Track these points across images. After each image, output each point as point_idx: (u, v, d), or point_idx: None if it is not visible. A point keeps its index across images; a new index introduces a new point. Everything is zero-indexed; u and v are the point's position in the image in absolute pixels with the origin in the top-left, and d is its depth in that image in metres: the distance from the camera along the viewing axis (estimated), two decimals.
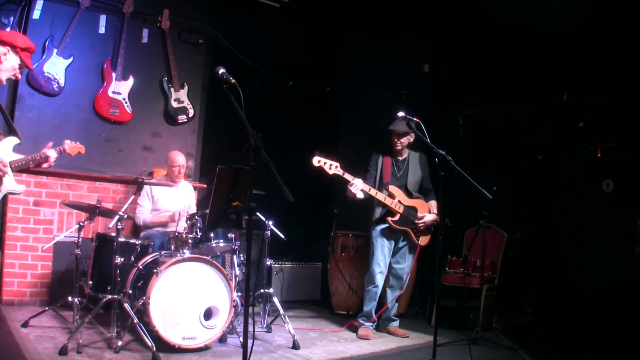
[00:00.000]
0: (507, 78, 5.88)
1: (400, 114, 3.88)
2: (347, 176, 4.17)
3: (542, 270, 5.57)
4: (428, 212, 4.56)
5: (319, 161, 4.07)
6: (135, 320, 3.42)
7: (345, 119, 6.55)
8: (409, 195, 4.55)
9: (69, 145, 3.49)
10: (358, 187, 4.19)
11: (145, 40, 5.28)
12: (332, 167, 4.10)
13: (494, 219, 4.93)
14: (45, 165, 3.30)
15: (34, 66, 4.62)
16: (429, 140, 3.76)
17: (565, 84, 5.69)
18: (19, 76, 3.22)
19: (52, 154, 3.29)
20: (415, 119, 3.84)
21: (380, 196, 4.36)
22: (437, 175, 3.60)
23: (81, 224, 3.87)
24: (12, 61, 3.08)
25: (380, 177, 4.55)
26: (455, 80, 6.15)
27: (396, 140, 4.50)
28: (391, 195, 4.43)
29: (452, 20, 5.97)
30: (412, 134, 4.47)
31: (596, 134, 5.50)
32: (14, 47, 3.07)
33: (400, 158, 4.60)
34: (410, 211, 4.47)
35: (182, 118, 5.43)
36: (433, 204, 4.62)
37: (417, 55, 6.35)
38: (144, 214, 4.59)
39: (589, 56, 5.41)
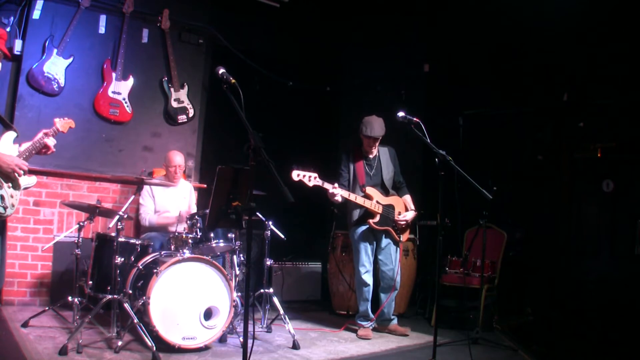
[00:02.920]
0: (507, 78, 5.88)
1: (400, 114, 3.88)
2: (327, 185, 4.17)
3: (542, 270, 5.57)
4: (404, 208, 4.57)
5: (297, 175, 4.03)
6: (135, 320, 3.42)
7: (345, 119, 6.55)
8: (385, 193, 4.54)
9: (61, 123, 3.46)
10: (337, 194, 4.20)
11: (145, 40, 5.28)
12: (311, 179, 4.07)
13: (494, 219, 4.92)
14: (46, 151, 3.27)
15: (34, 66, 4.63)
16: (429, 140, 3.75)
17: (565, 84, 5.69)
18: None
19: (50, 142, 3.26)
20: (415, 119, 3.84)
21: (360, 200, 4.35)
22: (437, 175, 3.60)
23: (81, 224, 3.88)
24: None
25: (354, 179, 4.53)
26: (455, 80, 6.15)
27: (372, 143, 4.49)
28: (368, 197, 4.42)
29: (452, 20, 5.97)
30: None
31: (596, 134, 5.50)
32: None
33: (370, 156, 4.59)
34: (389, 210, 4.48)
35: (182, 118, 5.43)
36: (408, 198, 4.63)
37: (417, 55, 6.35)
38: (149, 214, 4.59)
39: (589, 56, 5.41)
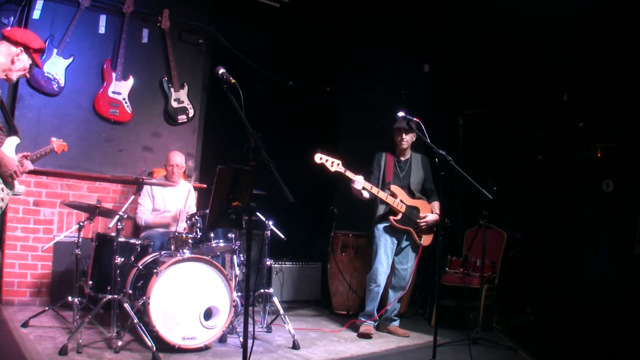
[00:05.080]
0: (507, 78, 5.87)
1: (400, 114, 3.88)
2: (349, 174, 4.17)
3: (542, 270, 5.57)
4: (430, 212, 4.57)
5: (320, 158, 4.07)
6: (135, 320, 3.42)
7: (345, 119, 6.55)
8: (412, 195, 4.56)
9: (56, 143, 3.53)
10: (360, 184, 4.19)
11: (145, 40, 5.28)
12: (333, 164, 4.10)
13: (494, 219, 4.93)
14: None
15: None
16: (429, 140, 3.75)
17: (565, 84, 5.69)
18: (28, 75, 3.22)
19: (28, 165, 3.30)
20: (415, 119, 3.84)
21: (382, 195, 4.37)
22: (437, 175, 3.60)
23: (81, 224, 3.88)
24: (24, 62, 3.07)
25: (383, 177, 4.55)
26: (455, 80, 6.14)
27: (404, 136, 4.50)
28: (393, 195, 4.44)
29: (452, 20, 5.97)
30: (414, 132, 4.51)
31: (596, 134, 5.50)
32: (27, 49, 3.06)
33: (402, 158, 4.61)
34: (413, 211, 4.48)
35: (182, 118, 5.43)
36: (436, 204, 4.62)
37: (417, 55, 6.35)
38: (146, 214, 4.59)
39: (589, 56, 5.41)
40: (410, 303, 5.52)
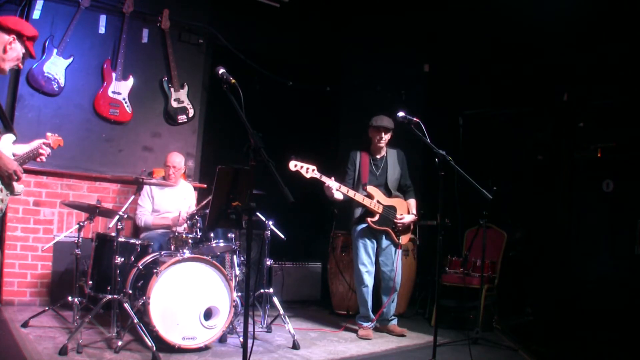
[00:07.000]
0: (507, 78, 5.87)
1: (400, 114, 3.88)
2: (324, 179, 4.13)
3: (542, 270, 5.56)
4: (407, 212, 4.56)
5: (295, 165, 4.01)
6: (135, 320, 3.42)
7: (345, 119, 6.55)
8: (388, 194, 4.53)
9: (52, 138, 3.46)
10: (333, 188, 4.16)
11: (145, 40, 5.28)
12: (308, 170, 4.04)
13: (494, 219, 4.92)
14: (37, 160, 3.26)
15: (34, 66, 4.63)
16: (429, 140, 3.75)
17: (565, 84, 5.69)
18: (22, 65, 3.09)
19: (46, 151, 3.25)
20: (415, 119, 3.84)
21: (359, 197, 4.33)
22: (437, 175, 3.60)
23: (81, 224, 3.88)
24: (17, 50, 2.91)
25: (358, 177, 4.51)
26: (455, 80, 6.14)
27: (383, 135, 4.47)
28: (369, 196, 4.41)
29: (452, 20, 5.97)
30: (392, 131, 4.49)
31: (596, 134, 5.50)
32: (20, 36, 2.89)
33: (378, 156, 4.58)
34: (390, 210, 4.46)
35: (182, 118, 5.43)
36: (412, 203, 4.61)
37: (417, 55, 6.35)
38: (146, 215, 4.59)
39: (589, 56, 5.41)
40: (410, 303, 5.52)
